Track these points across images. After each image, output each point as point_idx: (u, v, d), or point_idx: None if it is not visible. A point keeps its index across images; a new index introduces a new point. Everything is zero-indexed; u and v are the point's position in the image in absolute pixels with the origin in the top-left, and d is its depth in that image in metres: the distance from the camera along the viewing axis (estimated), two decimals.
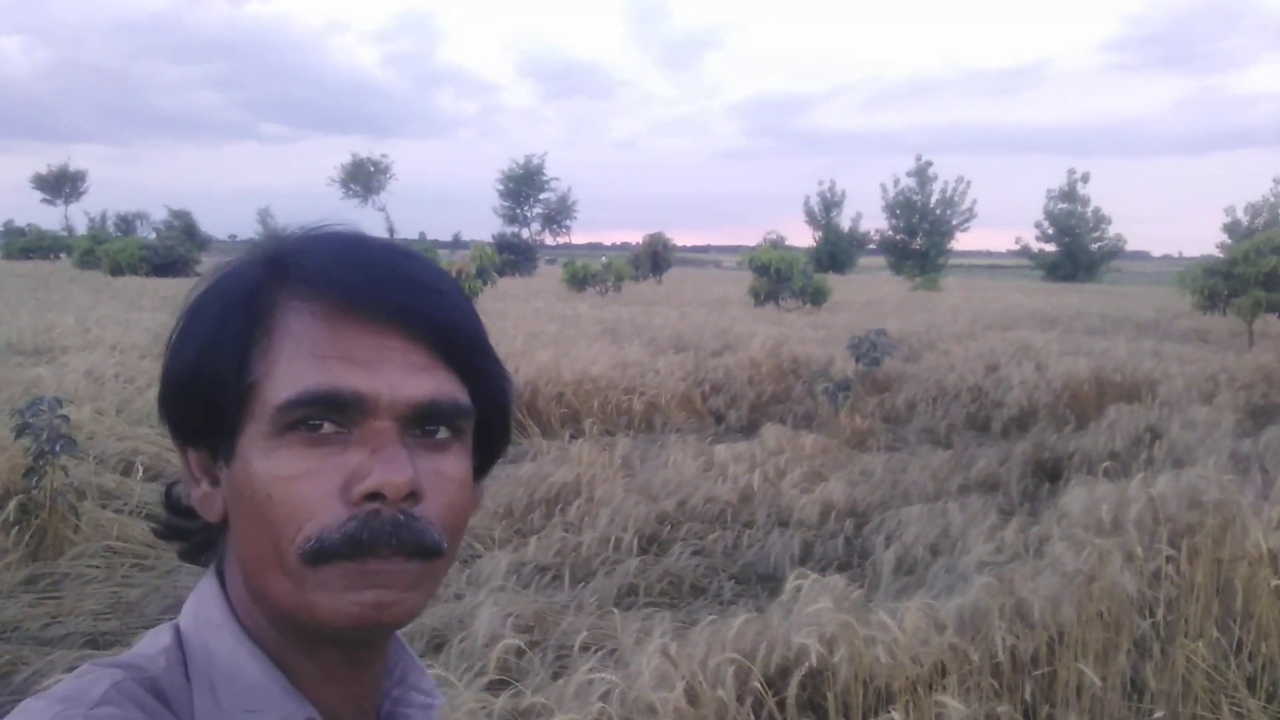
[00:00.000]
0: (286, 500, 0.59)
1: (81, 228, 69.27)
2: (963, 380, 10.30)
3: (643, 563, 4.92)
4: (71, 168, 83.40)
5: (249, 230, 64.84)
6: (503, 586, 4.27)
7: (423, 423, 0.62)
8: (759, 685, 2.82)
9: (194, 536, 0.69)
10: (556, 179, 72.99)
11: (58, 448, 4.78)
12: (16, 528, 4.78)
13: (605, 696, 2.74)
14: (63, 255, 52.93)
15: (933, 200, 63.03)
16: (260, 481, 0.59)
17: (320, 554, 0.58)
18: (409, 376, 0.61)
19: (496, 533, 5.52)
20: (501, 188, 76.69)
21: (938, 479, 6.73)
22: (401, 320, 0.62)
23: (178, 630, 0.64)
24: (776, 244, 42.52)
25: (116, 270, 33.25)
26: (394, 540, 0.59)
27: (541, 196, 75.99)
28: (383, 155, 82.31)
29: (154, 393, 1.03)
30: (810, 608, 2.97)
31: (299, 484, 0.59)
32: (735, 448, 6.96)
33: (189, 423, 0.64)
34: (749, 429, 8.98)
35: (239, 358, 0.61)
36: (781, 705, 2.79)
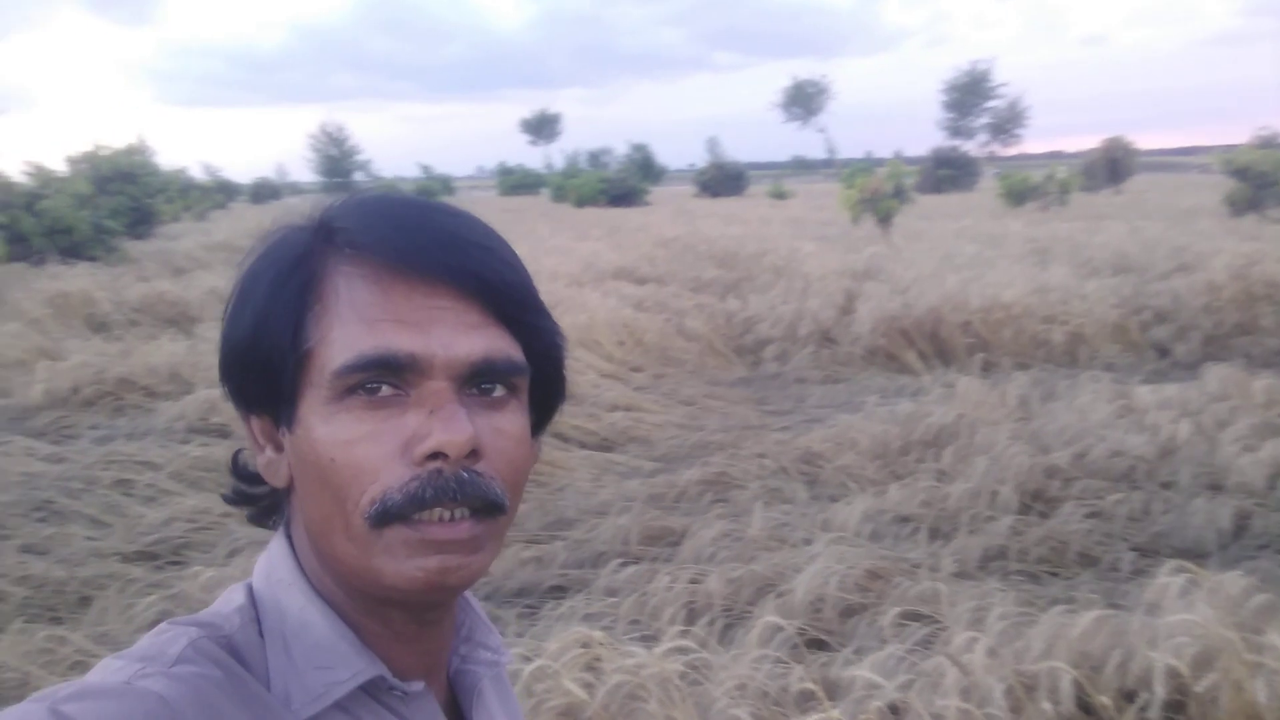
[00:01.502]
0: (349, 464, 0.59)
1: (560, 165, 77.90)
2: None
3: (1021, 523, 4.33)
4: (551, 111, 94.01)
5: (701, 159, 68.52)
6: (844, 537, 3.99)
7: (478, 381, 0.62)
8: (1104, 700, 2.30)
9: (261, 501, 0.71)
10: (1005, 85, 67.82)
11: None
12: None
13: (906, 687, 2.41)
14: (542, 191, 60.22)
15: None
16: (322, 446, 0.60)
17: (384, 515, 0.59)
18: (461, 336, 0.61)
19: (868, 472, 5.22)
20: (944, 99, 73.29)
21: None
22: (451, 279, 0.61)
23: (250, 589, 0.66)
24: (1268, 142, 35.42)
25: (581, 203, 37.79)
26: (458, 495, 0.59)
27: (988, 105, 71.47)
28: (822, 75, 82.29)
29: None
30: (1182, 615, 2.34)
31: (360, 447, 0.59)
32: (1163, 390, 5.89)
33: (250, 390, 0.65)
34: (1199, 366, 7.58)
35: (294, 325, 0.62)
36: None
